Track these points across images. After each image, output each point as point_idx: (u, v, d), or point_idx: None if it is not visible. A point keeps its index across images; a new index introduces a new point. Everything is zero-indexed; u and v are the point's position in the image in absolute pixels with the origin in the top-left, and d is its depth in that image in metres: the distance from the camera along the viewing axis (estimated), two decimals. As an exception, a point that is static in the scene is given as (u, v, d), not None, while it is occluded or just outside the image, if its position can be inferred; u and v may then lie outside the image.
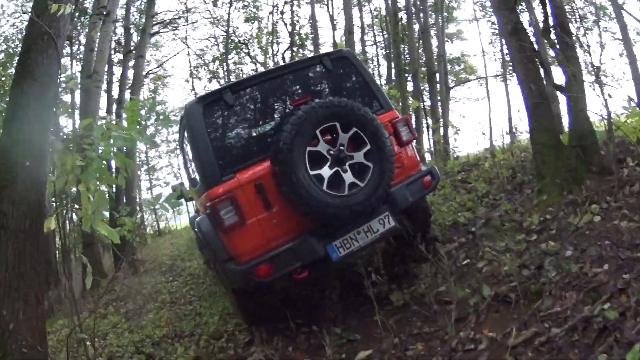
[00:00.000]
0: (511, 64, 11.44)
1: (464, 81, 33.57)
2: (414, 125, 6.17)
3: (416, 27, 22.30)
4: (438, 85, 23.21)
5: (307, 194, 4.83)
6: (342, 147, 5.09)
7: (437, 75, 23.09)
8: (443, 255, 6.07)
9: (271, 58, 26.84)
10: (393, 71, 24.39)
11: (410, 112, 17.19)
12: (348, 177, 5.07)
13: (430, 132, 20.72)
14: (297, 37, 26.51)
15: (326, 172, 5.01)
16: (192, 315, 8.30)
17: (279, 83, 5.90)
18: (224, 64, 27.40)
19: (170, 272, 13.99)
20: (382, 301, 6.05)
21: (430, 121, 22.38)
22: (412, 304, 5.81)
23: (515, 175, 8.73)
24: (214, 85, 31.03)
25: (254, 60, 28.05)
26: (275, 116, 5.83)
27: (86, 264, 5.51)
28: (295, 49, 26.12)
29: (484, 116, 36.72)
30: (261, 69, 27.50)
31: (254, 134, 5.76)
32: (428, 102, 23.17)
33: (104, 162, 4.88)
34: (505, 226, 6.82)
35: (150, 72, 29.08)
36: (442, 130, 20.07)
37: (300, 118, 4.91)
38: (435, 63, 22.87)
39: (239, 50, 28.41)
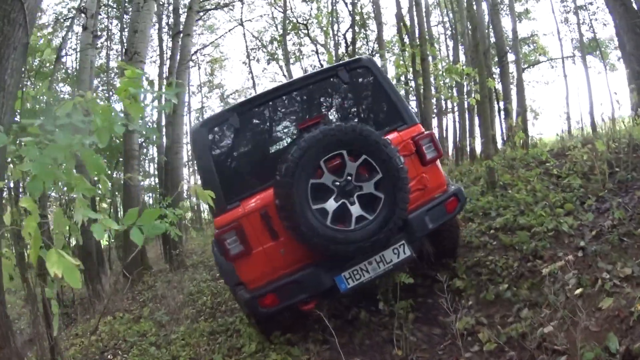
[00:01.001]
0: (616, 35, 9.83)
1: (534, 63, 31.03)
2: (437, 141, 5.49)
3: (484, 4, 20.35)
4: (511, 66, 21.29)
5: (308, 230, 4.58)
6: (349, 178, 4.77)
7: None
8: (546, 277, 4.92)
9: (332, 39, 25.11)
10: (461, 50, 22.66)
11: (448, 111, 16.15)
12: (355, 209, 4.77)
13: (502, 116, 18.77)
14: (358, 17, 24.59)
15: (331, 205, 4.73)
16: (229, 332, 7.13)
17: (289, 101, 5.64)
18: (282, 45, 26.20)
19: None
20: (466, 339, 4.98)
21: (502, 105, 20.36)
22: (507, 349, 4.58)
23: (614, 170, 7.11)
24: (273, 68, 30.22)
25: (314, 42, 26.79)
26: (284, 139, 5.62)
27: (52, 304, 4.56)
28: (356, 28, 24.23)
29: (556, 100, 34.10)
30: (322, 50, 26.63)
31: (261, 159, 5.54)
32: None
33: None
34: (624, 242, 5.18)
35: (198, 52, 28.38)
36: (515, 115, 18.17)
37: (302, 149, 4.60)
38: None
39: (297, 30, 27.20)
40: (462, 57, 22.59)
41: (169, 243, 14.04)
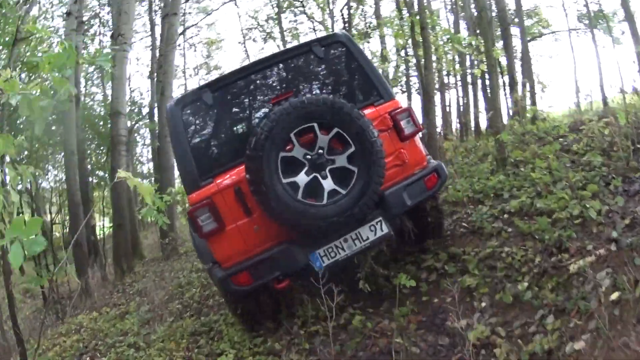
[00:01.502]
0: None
1: (537, 36, 29.89)
2: (416, 116, 5.30)
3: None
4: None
5: (279, 204, 4.48)
6: (321, 151, 4.65)
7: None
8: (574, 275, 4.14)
9: (330, 15, 24.08)
10: (462, 26, 21.73)
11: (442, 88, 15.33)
12: (328, 184, 4.66)
13: (507, 90, 17.82)
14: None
15: (302, 179, 4.61)
16: (211, 334, 6.51)
17: (263, 77, 5.52)
18: (278, 23, 25.63)
19: (210, 256, 11.97)
20: (480, 353, 4.20)
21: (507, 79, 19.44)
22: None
23: (636, 146, 6.27)
24: (270, 47, 29.69)
25: (310, 19, 25.94)
26: (258, 115, 5.43)
27: None
28: (354, 4, 23.25)
29: (561, 74, 33.04)
30: (319, 27, 25.74)
31: (234, 136, 5.43)
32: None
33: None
34: (664, 233, 4.29)
35: (192, 34, 28.15)
36: (520, 89, 17.32)
37: (271, 121, 4.50)
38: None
39: (293, 8, 26.28)
40: (463, 33, 21.60)
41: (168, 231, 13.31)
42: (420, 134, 5.38)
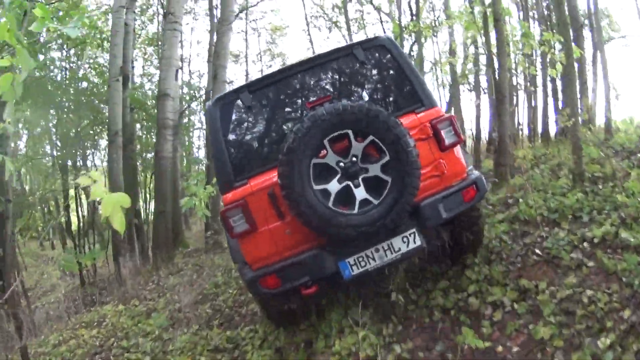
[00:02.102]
0: None
1: (606, 40, 27.92)
2: (458, 126, 5.02)
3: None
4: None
5: (308, 210, 4.37)
6: (355, 159, 4.52)
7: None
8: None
9: (397, 6, 22.97)
10: (532, 24, 20.39)
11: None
12: (360, 192, 4.51)
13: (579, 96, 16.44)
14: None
15: (334, 186, 4.49)
16: (235, 353, 6.07)
17: (302, 80, 5.37)
18: (344, 11, 24.08)
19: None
20: None
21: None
22: None
23: None
24: (335, 36, 28.82)
25: (377, 9, 24.55)
26: (295, 118, 5.31)
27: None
28: None
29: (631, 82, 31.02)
30: (386, 19, 24.46)
31: (271, 138, 5.31)
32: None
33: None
34: None
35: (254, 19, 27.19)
36: (591, 95, 15.96)
37: (305, 126, 4.39)
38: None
39: None
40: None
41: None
42: (461, 144, 5.15)
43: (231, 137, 5.16)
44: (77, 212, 17.94)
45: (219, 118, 5.09)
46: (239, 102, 5.18)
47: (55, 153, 17.14)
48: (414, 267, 6.14)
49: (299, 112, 5.31)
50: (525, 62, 12.09)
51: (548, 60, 13.04)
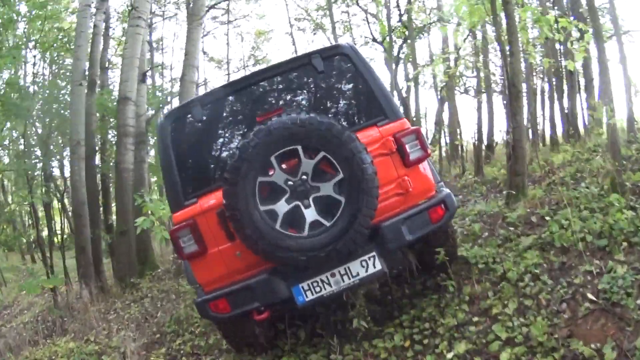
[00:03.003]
0: None
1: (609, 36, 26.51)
2: (426, 139, 5.10)
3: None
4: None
5: (253, 233, 4.13)
6: (305, 177, 4.20)
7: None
8: None
9: (384, 6, 21.65)
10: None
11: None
12: (310, 213, 4.20)
13: (583, 95, 14.96)
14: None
15: (282, 207, 4.20)
16: None
17: (256, 92, 5.06)
18: (329, 13, 22.97)
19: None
20: None
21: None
22: None
23: None
24: (319, 38, 27.87)
25: (363, 9, 23.29)
26: (248, 132, 4.72)
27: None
28: None
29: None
30: (373, 20, 23.12)
31: (221, 154, 5.00)
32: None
33: None
34: None
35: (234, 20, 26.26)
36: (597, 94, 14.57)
37: (250, 143, 4.14)
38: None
39: None
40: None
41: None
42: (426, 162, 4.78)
43: (181, 153, 4.86)
44: (49, 225, 16.43)
45: (170, 133, 4.83)
46: (190, 116, 4.91)
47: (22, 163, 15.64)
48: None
49: (251, 127, 4.76)
50: (534, 50, 10.53)
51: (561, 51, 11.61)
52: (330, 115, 4.77)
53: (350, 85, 5.15)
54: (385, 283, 5.51)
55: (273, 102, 5.16)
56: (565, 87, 14.90)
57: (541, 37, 9.43)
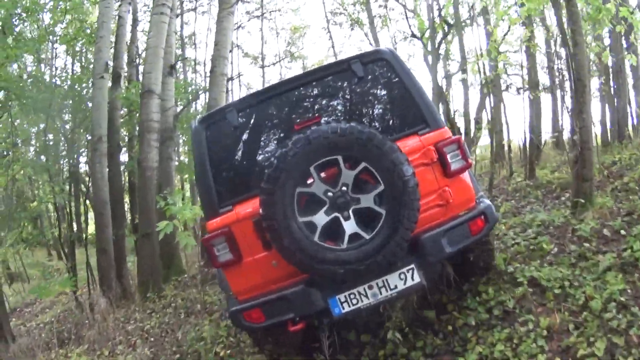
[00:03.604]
0: None
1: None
2: (466, 148, 4.51)
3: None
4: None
5: (291, 245, 4.03)
6: (344, 188, 4.09)
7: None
8: None
9: (424, 0, 21.16)
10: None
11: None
12: (350, 226, 4.09)
13: (635, 97, 13.98)
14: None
15: (320, 218, 4.09)
16: None
17: (295, 98, 4.92)
18: (366, 7, 22.27)
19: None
20: None
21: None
22: None
23: None
24: (357, 34, 27.16)
25: (402, 4, 22.39)
26: (285, 139, 4.66)
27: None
28: None
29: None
30: (411, 15, 22.47)
31: (259, 161, 4.85)
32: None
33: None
34: None
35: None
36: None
37: (289, 152, 4.04)
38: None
39: None
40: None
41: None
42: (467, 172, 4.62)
43: (217, 159, 4.74)
44: (70, 223, 15.82)
45: (205, 138, 4.74)
46: (225, 121, 4.76)
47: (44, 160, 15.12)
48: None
49: (288, 134, 4.74)
50: (598, 44, 9.62)
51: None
52: (370, 123, 4.71)
53: (391, 92, 4.95)
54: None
55: (311, 108, 5.00)
56: (612, 84, 13.96)
57: (600, 29, 8.55)
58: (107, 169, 10.98)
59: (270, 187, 4.02)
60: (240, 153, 4.96)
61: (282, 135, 4.90)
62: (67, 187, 14.39)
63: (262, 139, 5.04)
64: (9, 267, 18.07)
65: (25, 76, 14.07)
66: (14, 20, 12.03)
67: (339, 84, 4.99)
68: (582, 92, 6.33)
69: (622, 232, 5.23)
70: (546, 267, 4.98)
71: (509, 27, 15.92)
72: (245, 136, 4.96)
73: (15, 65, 13.97)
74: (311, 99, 5.04)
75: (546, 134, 16.11)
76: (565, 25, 6.92)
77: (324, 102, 5.05)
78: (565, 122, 17.37)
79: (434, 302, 5.20)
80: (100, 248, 10.43)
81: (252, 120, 4.96)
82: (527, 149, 12.18)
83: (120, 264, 10.81)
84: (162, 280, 10.21)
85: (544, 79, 18.69)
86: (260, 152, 4.97)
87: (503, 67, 15.48)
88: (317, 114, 4.83)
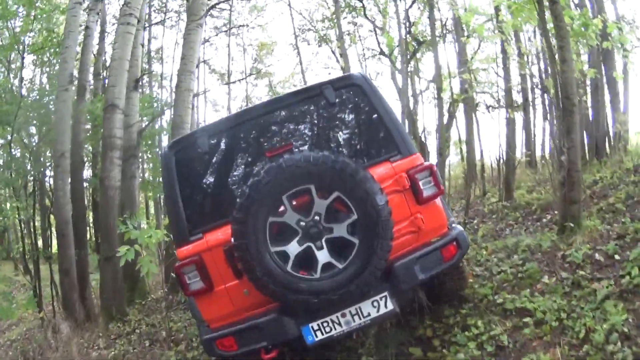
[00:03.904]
0: None
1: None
2: (439, 175, 4.50)
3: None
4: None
5: (264, 275, 3.98)
6: (317, 218, 4.04)
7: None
8: None
9: (392, 18, 20.87)
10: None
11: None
12: (323, 255, 4.04)
13: (610, 113, 13.88)
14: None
15: (293, 248, 4.05)
16: None
17: (266, 124, 4.87)
18: (337, 24, 21.48)
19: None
20: None
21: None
22: None
23: None
24: (324, 51, 26.93)
25: (371, 21, 21.72)
26: (256, 166, 4.73)
27: None
28: (420, 6, 19.79)
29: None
30: (379, 33, 21.80)
31: (230, 188, 4.83)
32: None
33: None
34: None
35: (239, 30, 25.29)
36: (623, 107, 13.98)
37: (261, 180, 3.99)
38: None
39: (352, 9, 22.43)
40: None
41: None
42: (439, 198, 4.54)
43: (186, 185, 4.68)
44: (35, 239, 15.19)
45: (174, 165, 4.66)
46: (195, 147, 4.72)
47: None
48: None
49: (259, 161, 4.76)
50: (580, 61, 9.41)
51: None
52: (341, 150, 4.68)
53: (363, 118, 4.93)
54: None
55: (283, 134, 4.93)
56: (589, 99, 13.89)
57: (586, 45, 8.37)
58: (70, 186, 10.41)
59: (242, 217, 3.96)
60: (210, 179, 4.92)
61: (253, 161, 4.86)
62: (32, 202, 13.85)
63: (233, 165, 4.99)
64: (-28, 280, 17.40)
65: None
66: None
67: (311, 109, 4.95)
68: (571, 111, 6.05)
69: (617, 256, 4.97)
70: (538, 297, 4.72)
71: (479, 45, 15.82)
72: (215, 162, 4.89)
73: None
74: (283, 125, 4.98)
75: (519, 153, 15.99)
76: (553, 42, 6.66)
77: (295, 128, 5.01)
78: (538, 141, 17.36)
79: (418, 337, 5.04)
80: (63, 269, 9.80)
81: (222, 146, 4.91)
82: (502, 169, 11.96)
83: (84, 285, 10.18)
84: (126, 303, 9.68)
85: (516, 96, 18.70)
86: (230, 178, 4.93)
87: (474, 85, 15.38)
88: (289, 141, 4.75)
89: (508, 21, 8.01)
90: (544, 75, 14.03)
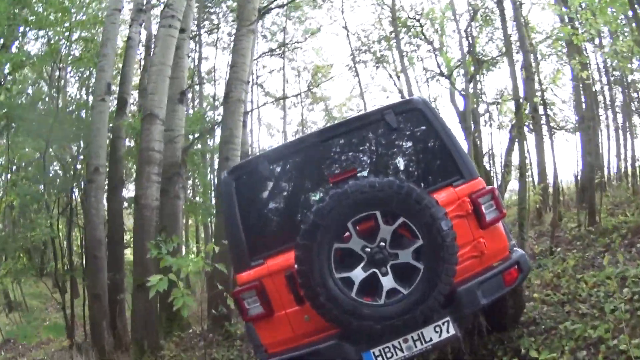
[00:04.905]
0: None
1: None
2: (500, 198, 4.54)
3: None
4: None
5: (329, 301, 3.95)
6: (382, 244, 4.02)
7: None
8: None
9: (450, 37, 21.46)
10: None
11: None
12: (388, 281, 4.03)
13: None
14: (479, 11, 19.81)
15: (358, 274, 4.03)
16: None
17: (327, 149, 4.89)
18: (396, 44, 21.46)
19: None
20: None
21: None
22: None
23: None
24: (382, 73, 26.43)
25: (428, 42, 21.72)
26: (319, 192, 4.84)
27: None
28: (476, 25, 20.02)
29: None
30: (437, 53, 21.62)
31: (291, 214, 4.82)
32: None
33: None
34: None
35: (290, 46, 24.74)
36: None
37: (325, 207, 3.97)
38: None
39: (409, 28, 22.12)
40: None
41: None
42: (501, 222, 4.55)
43: (247, 210, 4.64)
44: (70, 258, 14.52)
45: (234, 190, 4.65)
46: (256, 172, 4.70)
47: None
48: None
49: (322, 187, 4.76)
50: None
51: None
52: (404, 175, 4.69)
53: (424, 143, 4.95)
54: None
55: (345, 160, 4.96)
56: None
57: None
58: (106, 205, 9.78)
59: (306, 243, 3.95)
60: (271, 205, 4.91)
61: (315, 187, 4.91)
62: (65, 220, 13.24)
63: (294, 191, 4.99)
64: (7, 295, 17.37)
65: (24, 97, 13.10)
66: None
67: (372, 134, 4.96)
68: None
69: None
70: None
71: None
72: (276, 188, 4.91)
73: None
74: (344, 150, 5.00)
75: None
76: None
77: (357, 153, 5.02)
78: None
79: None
80: (94, 294, 9.19)
81: (283, 172, 4.92)
82: (582, 192, 10.94)
83: (116, 311, 9.46)
84: (164, 335, 8.89)
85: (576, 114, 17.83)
86: (292, 204, 4.91)
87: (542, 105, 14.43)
88: (351, 167, 4.71)
89: (592, 21, 6.96)
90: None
